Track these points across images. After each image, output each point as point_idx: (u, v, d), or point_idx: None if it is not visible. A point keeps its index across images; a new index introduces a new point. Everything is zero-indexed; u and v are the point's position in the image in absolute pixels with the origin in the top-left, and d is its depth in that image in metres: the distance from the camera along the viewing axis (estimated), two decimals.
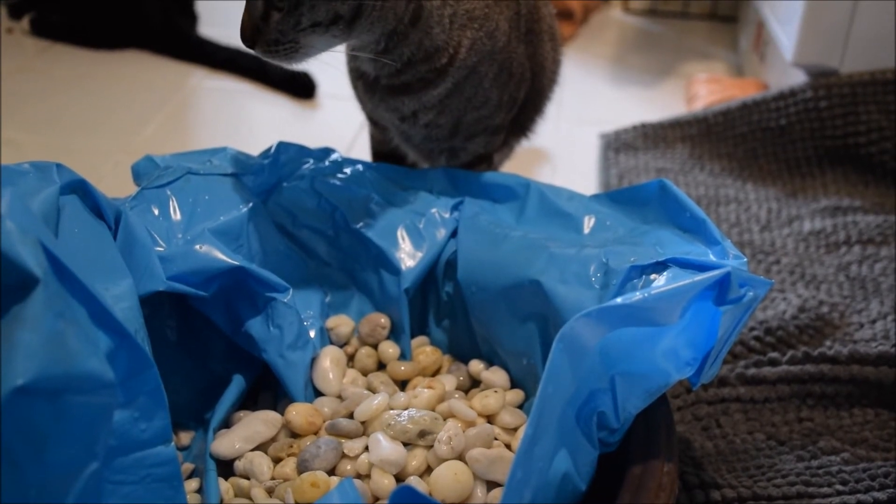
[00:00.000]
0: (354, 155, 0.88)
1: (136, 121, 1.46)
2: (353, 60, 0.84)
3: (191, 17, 1.76)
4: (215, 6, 1.88)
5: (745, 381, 0.86)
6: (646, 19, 2.00)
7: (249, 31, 0.72)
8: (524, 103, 0.91)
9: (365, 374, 0.77)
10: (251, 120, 1.51)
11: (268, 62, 0.74)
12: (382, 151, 0.95)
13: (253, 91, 1.58)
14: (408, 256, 0.79)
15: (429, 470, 0.65)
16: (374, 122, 0.91)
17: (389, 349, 0.78)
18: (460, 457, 0.64)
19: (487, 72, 0.82)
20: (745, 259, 0.63)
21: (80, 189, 0.65)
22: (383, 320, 0.79)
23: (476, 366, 0.77)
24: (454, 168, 0.86)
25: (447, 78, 0.80)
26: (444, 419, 0.67)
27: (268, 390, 0.77)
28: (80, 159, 1.31)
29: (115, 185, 1.20)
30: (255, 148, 0.84)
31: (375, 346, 0.79)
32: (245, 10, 0.72)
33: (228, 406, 0.73)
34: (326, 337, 0.79)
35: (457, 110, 0.83)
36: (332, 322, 0.79)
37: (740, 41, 1.82)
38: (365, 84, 0.84)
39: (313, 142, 0.86)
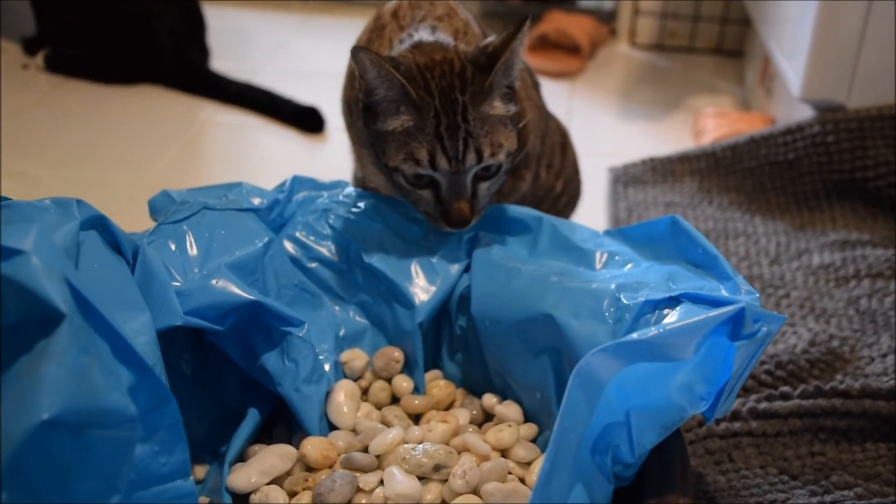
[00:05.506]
0: None
1: (149, 154, 1.48)
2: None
3: (202, 52, 1.78)
4: (226, 40, 1.90)
5: (757, 416, 0.86)
6: (652, 53, 2.02)
7: (469, 213, 0.77)
8: None
9: (379, 407, 0.78)
10: (261, 153, 1.52)
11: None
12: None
13: (263, 125, 1.59)
14: (421, 291, 0.80)
15: None
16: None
17: (403, 383, 0.79)
18: (475, 491, 0.64)
19: None
20: (758, 294, 0.64)
21: (99, 224, 0.66)
22: (397, 354, 0.80)
23: (489, 399, 0.77)
24: None
25: None
26: (459, 453, 0.68)
27: (282, 424, 0.77)
28: (94, 192, 1.31)
29: (129, 218, 1.20)
30: (265, 180, 0.85)
31: (389, 380, 0.79)
32: (451, 200, 0.76)
33: (243, 440, 0.73)
34: (340, 371, 0.79)
35: None
36: (346, 356, 0.79)
37: (746, 75, 1.84)
38: None
39: (323, 175, 0.87)
